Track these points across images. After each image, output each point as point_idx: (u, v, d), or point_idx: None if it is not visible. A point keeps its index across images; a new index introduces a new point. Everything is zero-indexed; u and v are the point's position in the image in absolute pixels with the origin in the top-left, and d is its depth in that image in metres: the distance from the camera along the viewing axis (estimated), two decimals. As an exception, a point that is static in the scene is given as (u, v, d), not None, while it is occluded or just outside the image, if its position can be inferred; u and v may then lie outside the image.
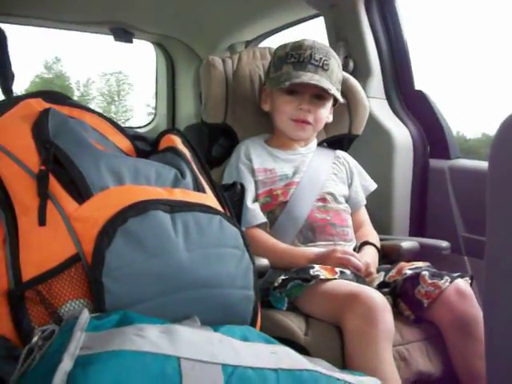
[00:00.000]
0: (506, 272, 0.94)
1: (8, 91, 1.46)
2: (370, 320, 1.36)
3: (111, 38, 3.42)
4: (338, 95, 1.86)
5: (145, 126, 3.96)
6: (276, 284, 1.55)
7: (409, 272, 1.62)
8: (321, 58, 1.81)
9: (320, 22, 2.68)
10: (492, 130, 0.94)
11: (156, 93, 3.94)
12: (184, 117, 3.77)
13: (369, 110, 2.09)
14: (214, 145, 2.02)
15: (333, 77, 1.83)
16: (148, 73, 3.97)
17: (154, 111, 4.02)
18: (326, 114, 1.89)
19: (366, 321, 1.37)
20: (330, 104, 1.89)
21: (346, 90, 2.01)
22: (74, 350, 0.84)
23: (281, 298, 1.54)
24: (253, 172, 1.84)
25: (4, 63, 1.48)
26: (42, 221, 1.05)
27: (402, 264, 1.70)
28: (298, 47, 1.83)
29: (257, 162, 1.86)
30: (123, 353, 0.85)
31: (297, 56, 1.82)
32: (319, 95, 1.84)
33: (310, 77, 1.77)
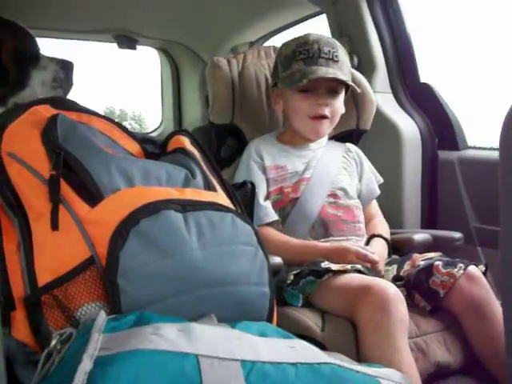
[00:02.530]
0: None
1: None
2: (383, 311, 1.36)
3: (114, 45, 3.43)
4: (354, 85, 1.85)
5: (152, 131, 3.97)
6: (289, 281, 1.55)
7: (422, 263, 1.61)
8: (329, 51, 1.79)
9: (322, 19, 2.69)
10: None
11: (162, 98, 3.95)
12: (190, 121, 3.78)
13: (376, 104, 2.08)
14: (222, 145, 2.02)
15: (344, 68, 1.82)
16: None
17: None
18: (341, 106, 1.87)
19: (380, 312, 1.36)
20: (342, 95, 1.87)
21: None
22: (92, 351, 0.84)
23: (295, 294, 1.54)
24: (264, 170, 1.84)
25: None
26: (54, 225, 1.06)
27: (415, 256, 1.69)
28: (304, 43, 1.81)
29: (268, 160, 1.85)
30: (141, 352, 0.85)
31: (305, 52, 1.79)
32: (333, 89, 1.83)
33: (325, 71, 1.76)
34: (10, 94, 1.64)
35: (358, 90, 1.90)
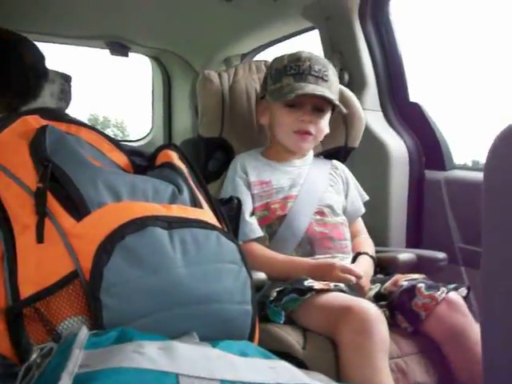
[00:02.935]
0: (503, 282, 0.94)
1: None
2: (364, 332, 1.37)
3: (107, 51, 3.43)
4: (341, 106, 1.87)
5: (141, 139, 3.97)
6: (271, 298, 1.55)
7: (405, 284, 1.62)
8: (320, 69, 1.81)
9: (315, 34, 2.71)
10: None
11: (152, 106, 3.95)
12: (180, 130, 3.78)
13: (365, 122, 2.09)
14: (210, 159, 2.02)
15: (332, 87, 1.84)
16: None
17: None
18: (326, 125, 1.88)
19: (361, 333, 1.37)
20: (328, 115, 1.89)
21: (341, 102, 2.01)
22: (72, 368, 0.84)
23: (278, 311, 1.54)
24: (249, 185, 1.84)
25: None
26: (40, 238, 1.05)
27: (398, 276, 1.70)
28: (296, 59, 1.83)
29: (253, 175, 1.86)
30: (122, 370, 0.85)
31: (296, 68, 1.81)
32: (320, 108, 1.84)
33: (313, 88, 1.78)
34: (22, 104, 1.71)
35: (345, 111, 1.91)
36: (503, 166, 0.93)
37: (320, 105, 1.84)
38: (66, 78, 1.82)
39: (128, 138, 3.99)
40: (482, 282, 0.98)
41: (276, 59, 1.91)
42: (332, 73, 1.86)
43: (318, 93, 1.77)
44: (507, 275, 0.93)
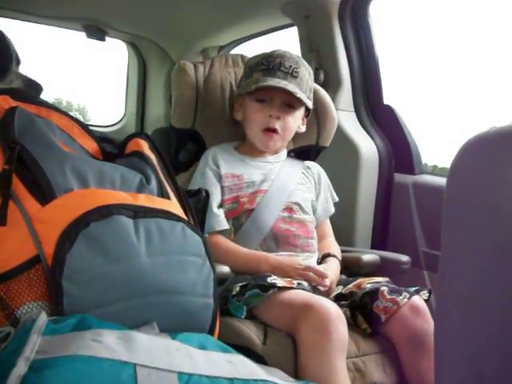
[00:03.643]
0: (457, 293, 0.95)
1: None
2: (323, 331, 1.38)
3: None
4: (308, 102, 1.88)
5: (113, 124, 3.93)
6: (234, 292, 1.55)
7: (368, 286, 1.64)
8: (290, 66, 1.83)
9: (293, 31, 2.71)
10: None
11: (126, 92, 3.92)
12: (153, 117, 3.76)
13: (337, 122, 2.10)
14: (181, 149, 2.02)
15: (302, 84, 1.85)
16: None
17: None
18: (294, 122, 1.89)
19: (319, 331, 1.39)
20: (300, 113, 1.90)
21: (315, 101, 2.02)
22: (29, 354, 0.83)
23: (239, 306, 1.54)
24: (220, 178, 1.84)
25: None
26: (2, 221, 1.04)
27: (362, 280, 1.72)
28: (268, 56, 1.86)
29: (224, 168, 1.86)
30: (79, 358, 0.85)
31: (266, 63, 1.84)
32: (289, 104, 1.85)
33: (277, 82, 1.79)
34: None
35: (310, 107, 1.92)
36: (465, 177, 0.94)
37: (289, 101, 1.85)
38: (30, 84, 1.73)
39: (90, 123, 3.93)
40: (438, 291, 0.99)
41: (251, 57, 1.95)
42: (304, 71, 1.87)
43: (279, 85, 1.79)
44: (461, 286, 0.95)
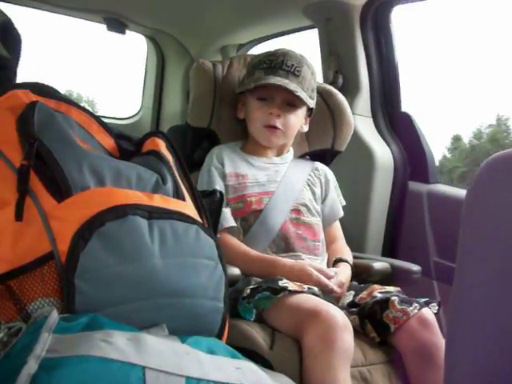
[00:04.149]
0: (470, 307, 0.95)
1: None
2: (328, 339, 1.38)
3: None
4: (310, 102, 1.88)
5: (130, 117, 3.94)
6: (245, 294, 1.55)
7: (379, 295, 1.63)
8: (293, 65, 1.83)
9: (314, 33, 2.70)
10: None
11: (144, 86, 3.92)
12: (170, 113, 3.76)
13: (353, 127, 2.09)
14: (197, 148, 2.02)
15: (304, 83, 1.85)
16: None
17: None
18: (296, 121, 1.89)
19: (324, 339, 1.38)
20: (302, 112, 1.90)
21: (333, 105, 2.02)
22: (39, 352, 0.84)
23: (249, 308, 1.54)
24: (224, 176, 1.85)
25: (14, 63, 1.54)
26: (18, 216, 1.05)
27: (374, 287, 1.71)
28: (271, 54, 1.87)
29: (229, 167, 1.86)
30: (89, 358, 0.86)
31: (268, 62, 1.85)
32: (291, 103, 1.85)
33: (277, 80, 1.79)
34: None
35: (312, 106, 1.92)
36: (486, 191, 0.94)
37: (290, 100, 1.85)
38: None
39: (106, 115, 3.93)
40: (452, 304, 0.99)
41: (255, 55, 1.96)
42: (307, 70, 1.87)
43: (279, 83, 1.79)
44: (476, 297, 0.94)
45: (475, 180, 0.96)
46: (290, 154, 2.00)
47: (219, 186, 1.81)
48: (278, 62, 1.83)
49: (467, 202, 0.97)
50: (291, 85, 1.80)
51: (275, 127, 1.85)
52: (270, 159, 1.94)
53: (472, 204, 0.97)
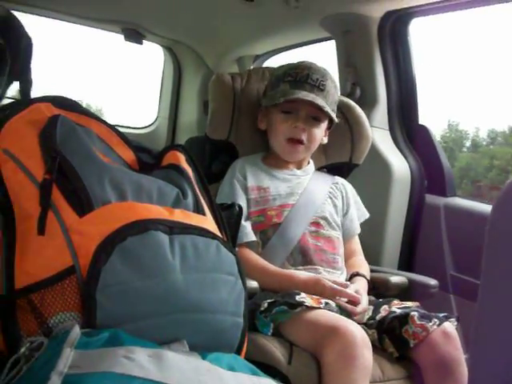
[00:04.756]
0: (496, 321, 0.94)
1: (26, 96, 1.48)
2: (347, 355, 1.37)
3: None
4: (333, 115, 1.88)
5: (146, 127, 3.95)
6: (262, 308, 1.55)
7: (398, 311, 1.62)
8: (317, 79, 1.83)
9: (331, 45, 2.70)
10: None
11: (160, 96, 3.93)
12: (186, 123, 3.76)
13: (371, 141, 2.09)
14: (215, 160, 2.02)
15: (329, 97, 1.85)
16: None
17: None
18: (320, 134, 1.90)
19: (344, 356, 1.37)
20: (324, 125, 1.90)
21: (351, 118, 2.02)
22: (62, 368, 0.84)
23: (267, 322, 1.54)
24: (246, 190, 1.85)
25: (26, 69, 1.51)
26: (41, 230, 1.05)
27: (393, 302, 1.70)
28: (295, 67, 1.87)
29: (251, 180, 1.86)
30: (112, 375, 0.85)
31: (294, 75, 1.85)
32: (315, 116, 1.86)
33: (304, 94, 1.79)
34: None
35: (336, 120, 1.92)
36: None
37: (315, 113, 1.85)
38: None
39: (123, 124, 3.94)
40: (476, 319, 0.98)
41: (278, 67, 1.95)
42: (331, 84, 1.87)
43: (307, 98, 1.79)
44: (500, 313, 0.93)
45: (501, 195, 0.95)
46: (310, 166, 2.00)
47: (241, 199, 1.81)
48: (303, 76, 1.83)
49: (493, 217, 0.97)
50: (318, 99, 1.80)
51: (299, 141, 1.85)
52: (292, 171, 1.94)
53: (498, 219, 0.97)
